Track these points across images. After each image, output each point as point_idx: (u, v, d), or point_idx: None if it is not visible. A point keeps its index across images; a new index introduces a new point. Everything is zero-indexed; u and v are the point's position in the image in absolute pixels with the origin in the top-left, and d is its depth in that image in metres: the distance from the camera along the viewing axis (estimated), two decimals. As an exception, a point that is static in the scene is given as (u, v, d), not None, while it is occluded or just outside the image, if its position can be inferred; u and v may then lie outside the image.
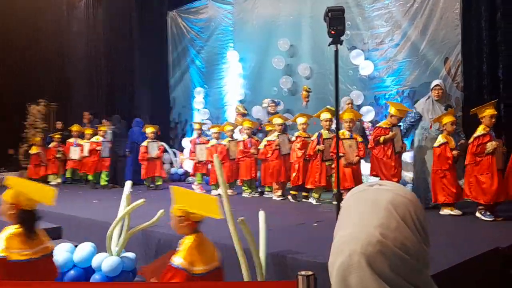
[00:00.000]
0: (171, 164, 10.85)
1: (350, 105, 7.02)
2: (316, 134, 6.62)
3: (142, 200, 3.95)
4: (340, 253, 0.86)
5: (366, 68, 8.10)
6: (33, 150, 10.71)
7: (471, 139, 5.31)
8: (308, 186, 6.71)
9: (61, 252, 4.17)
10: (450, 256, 3.41)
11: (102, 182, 9.50)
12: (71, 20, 14.22)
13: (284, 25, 9.51)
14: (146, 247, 4.61)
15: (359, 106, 8.10)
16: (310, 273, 1.96)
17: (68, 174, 10.59)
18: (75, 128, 10.51)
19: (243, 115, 8.89)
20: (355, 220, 0.89)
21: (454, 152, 5.51)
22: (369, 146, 6.10)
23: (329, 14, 4.08)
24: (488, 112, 5.24)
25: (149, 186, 8.95)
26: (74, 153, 10.15)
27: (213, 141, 8.17)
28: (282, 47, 9.32)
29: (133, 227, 4.15)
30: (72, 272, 4.11)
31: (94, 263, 4.05)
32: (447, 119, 5.63)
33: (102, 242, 4.45)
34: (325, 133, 6.54)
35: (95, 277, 4.00)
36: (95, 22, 13.68)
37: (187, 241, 2.85)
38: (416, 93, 7.54)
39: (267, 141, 7.37)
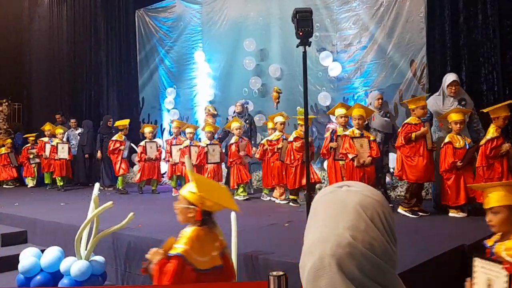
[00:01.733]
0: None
1: (380, 100, 6.31)
2: (330, 131, 6.24)
3: (110, 202, 3.89)
4: (310, 256, 0.86)
5: (334, 70, 8.21)
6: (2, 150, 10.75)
7: (483, 141, 5.19)
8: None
9: (27, 257, 4.06)
10: (419, 254, 3.50)
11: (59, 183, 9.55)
12: (33, 18, 13.87)
13: (253, 26, 9.53)
14: (115, 251, 4.55)
15: (328, 107, 8.21)
16: (281, 273, 1.98)
17: (47, 180, 9.96)
18: (47, 127, 10.17)
19: (213, 115, 8.87)
20: (324, 222, 0.89)
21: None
22: (398, 144, 5.55)
23: (297, 15, 4.12)
24: (502, 113, 5.09)
25: (141, 188, 8.57)
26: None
27: (187, 142, 8.00)
28: (248, 47, 9.33)
29: (102, 230, 4.08)
30: (39, 277, 4.02)
31: (63, 267, 3.97)
32: (453, 117, 5.35)
33: (69, 246, 4.36)
34: (339, 130, 6.02)
35: (64, 282, 3.92)
36: (58, 20, 13.38)
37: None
38: (384, 94, 7.68)
39: (268, 141, 7.10)
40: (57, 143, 9.58)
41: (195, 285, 2.84)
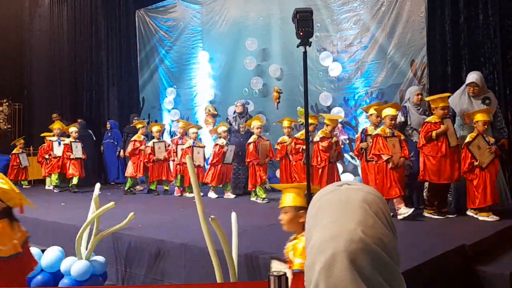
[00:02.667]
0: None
1: (420, 96, 5.98)
2: (361, 130, 5.94)
3: (112, 203, 3.90)
4: (321, 254, 0.84)
5: (334, 70, 8.21)
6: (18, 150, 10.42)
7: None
8: None
9: (28, 257, 4.05)
10: (419, 254, 3.49)
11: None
12: (34, 18, 13.87)
13: (254, 26, 9.53)
14: (116, 251, 4.55)
15: (329, 108, 8.21)
16: (281, 273, 1.98)
17: (54, 181, 9.40)
18: (56, 125, 9.71)
19: (213, 116, 8.87)
20: (332, 219, 0.88)
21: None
22: (419, 144, 5.34)
23: (297, 15, 4.11)
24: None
25: (154, 190, 8.36)
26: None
27: (190, 142, 7.94)
28: (250, 46, 9.33)
29: (102, 230, 4.09)
30: (39, 277, 4.01)
31: (63, 267, 3.97)
32: (480, 117, 5.17)
33: (70, 246, 4.36)
34: (370, 129, 5.71)
35: (64, 282, 3.92)
36: (59, 20, 13.38)
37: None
38: (385, 94, 7.70)
39: (295, 138, 6.80)
40: (71, 142, 9.12)
41: (194, 285, 2.84)
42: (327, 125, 6.40)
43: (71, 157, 9.02)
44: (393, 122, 5.43)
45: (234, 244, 3.29)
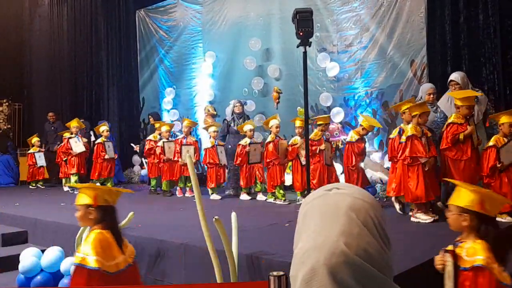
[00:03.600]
0: (141, 166, 10.71)
1: (432, 95, 5.81)
2: (397, 129, 5.54)
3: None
4: (302, 265, 0.82)
5: (332, 69, 8.18)
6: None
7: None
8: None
9: (28, 257, 4.06)
10: (419, 255, 3.49)
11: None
12: (34, 18, 13.87)
13: (254, 26, 9.53)
14: (116, 250, 4.54)
15: (329, 108, 8.21)
16: (281, 273, 1.98)
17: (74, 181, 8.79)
18: (74, 123, 9.11)
19: (213, 116, 8.87)
20: (316, 228, 0.85)
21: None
22: (443, 146, 5.09)
23: (297, 15, 4.13)
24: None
25: (166, 191, 8.11)
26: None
27: (212, 141, 7.72)
28: (253, 46, 9.33)
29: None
30: (39, 277, 4.01)
31: (63, 267, 3.97)
32: (506, 119, 5.00)
33: (70, 246, 4.36)
34: (406, 128, 5.38)
35: (64, 282, 3.92)
36: (59, 20, 13.38)
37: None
38: (384, 94, 7.70)
39: (310, 140, 6.42)
40: (104, 141, 8.71)
41: (193, 285, 2.84)
42: (363, 128, 6.16)
43: (106, 157, 8.64)
44: (420, 120, 5.16)
45: (234, 244, 3.28)
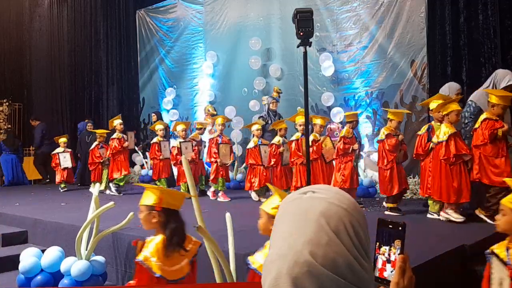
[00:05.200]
0: (142, 166, 10.71)
1: (460, 96, 5.59)
2: (426, 126, 5.31)
3: (112, 202, 3.89)
4: (268, 273, 0.80)
5: (328, 69, 8.18)
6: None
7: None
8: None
9: (28, 257, 4.06)
10: (419, 255, 3.49)
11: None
12: (34, 18, 13.87)
13: (254, 26, 9.54)
14: (115, 251, 4.54)
15: (329, 108, 8.21)
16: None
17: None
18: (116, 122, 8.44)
19: (212, 116, 8.87)
20: (284, 235, 0.81)
21: None
22: (478, 142, 4.81)
23: (298, 15, 4.12)
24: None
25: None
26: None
27: (255, 140, 7.06)
28: (254, 46, 9.33)
29: (102, 230, 4.08)
30: (39, 277, 4.01)
31: (63, 267, 3.96)
32: None
33: (70, 246, 4.36)
34: (436, 126, 5.19)
35: (64, 282, 3.92)
36: (59, 20, 13.39)
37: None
38: (385, 94, 7.70)
39: (343, 138, 6.13)
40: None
41: (193, 285, 2.83)
42: (391, 120, 5.62)
43: (161, 157, 7.98)
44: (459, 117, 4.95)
45: (231, 244, 3.27)
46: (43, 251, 4.25)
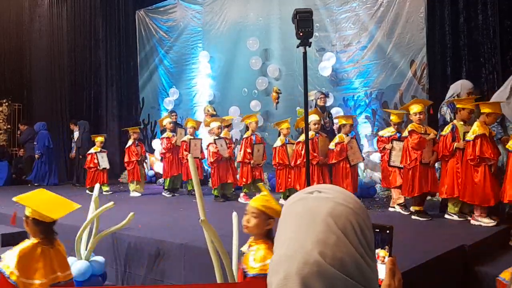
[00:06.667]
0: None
1: (472, 95, 5.41)
2: (450, 126, 5.09)
3: (111, 203, 3.90)
4: (275, 274, 0.80)
5: (325, 70, 8.17)
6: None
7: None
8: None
9: (27, 257, 4.05)
10: (419, 255, 3.49)
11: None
12: (33, 18, 13.86)
13: (253, 26, 9.54)
14: (115, 251, 4.54)
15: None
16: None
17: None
18: (165, 121, 8.25)
19: (212, 116, 8.87)
20: (292, 235, 0.81)
21: None
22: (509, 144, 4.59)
23: (297, 16, 4.12)
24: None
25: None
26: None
27: (282, 139, 6.66)
28: (251, 46, 9.33)
29: (102, 230, 4.08)
30: (39, 277, 4.01)
31: (62, 267, 3.96)
32: None
33: (69, 246, 4.36)
34: (459, 125, 5.00)
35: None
36: (59, 20, 13.38)
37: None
38: (384, 94, 7.70)
39: (379, 137, 6.13)
40: (190, 139, 7.64)
41: (193, 285, 2.84)
42: (415, 113, 5.29)
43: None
44: (492, 119, 4.78)
45: (235, 245, 3.28)
46: (42, 251, 4.24)
